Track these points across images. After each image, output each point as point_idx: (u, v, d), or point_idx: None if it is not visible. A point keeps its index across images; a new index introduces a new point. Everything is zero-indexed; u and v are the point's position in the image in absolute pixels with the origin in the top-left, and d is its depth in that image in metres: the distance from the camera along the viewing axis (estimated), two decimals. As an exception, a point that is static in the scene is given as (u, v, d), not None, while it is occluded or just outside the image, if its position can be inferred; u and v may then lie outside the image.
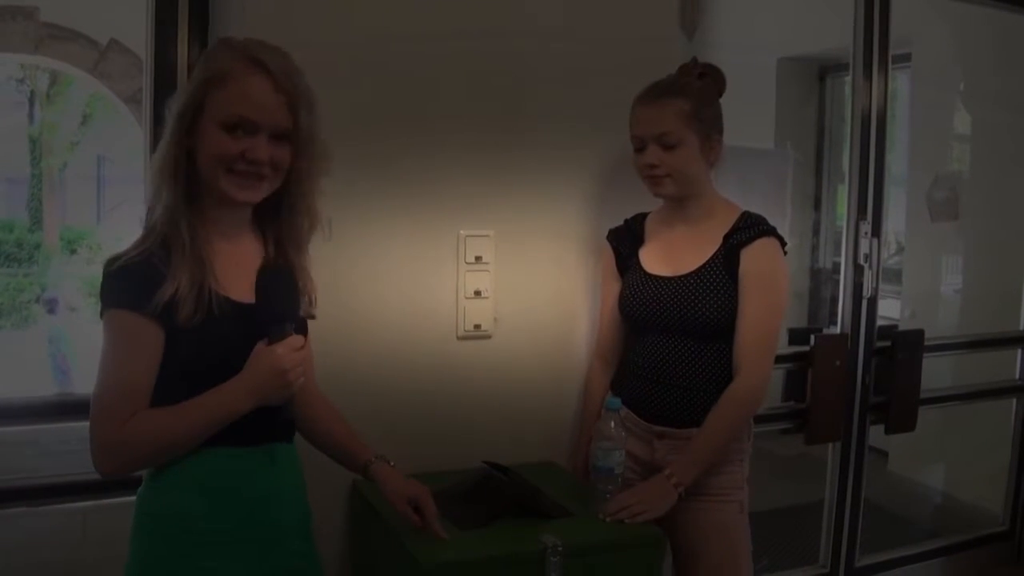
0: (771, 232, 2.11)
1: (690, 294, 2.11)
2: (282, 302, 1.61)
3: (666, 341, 2.15)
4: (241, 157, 1.54)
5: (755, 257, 2.08)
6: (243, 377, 1.55)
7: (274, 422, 1.62)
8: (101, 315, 1.52)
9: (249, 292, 1.60)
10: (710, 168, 2.15)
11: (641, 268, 2.22)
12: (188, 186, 1.56)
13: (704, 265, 2.11)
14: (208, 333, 1.53)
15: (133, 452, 1.53)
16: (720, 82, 2.18)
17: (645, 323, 2.19)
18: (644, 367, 2.19)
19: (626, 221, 2.31)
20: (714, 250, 2.12)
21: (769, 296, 2.08)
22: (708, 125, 2.10)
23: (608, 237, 2.32)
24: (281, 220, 1.68)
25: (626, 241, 2.28)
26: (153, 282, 1.50)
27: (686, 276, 2.12)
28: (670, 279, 2.15)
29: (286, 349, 1.56)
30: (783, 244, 2.14)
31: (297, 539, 1.70)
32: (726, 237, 2.11)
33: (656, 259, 2.20)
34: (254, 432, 1.59)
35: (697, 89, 2.12)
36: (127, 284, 1.51)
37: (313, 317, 1.75)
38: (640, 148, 2.13)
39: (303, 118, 1.57)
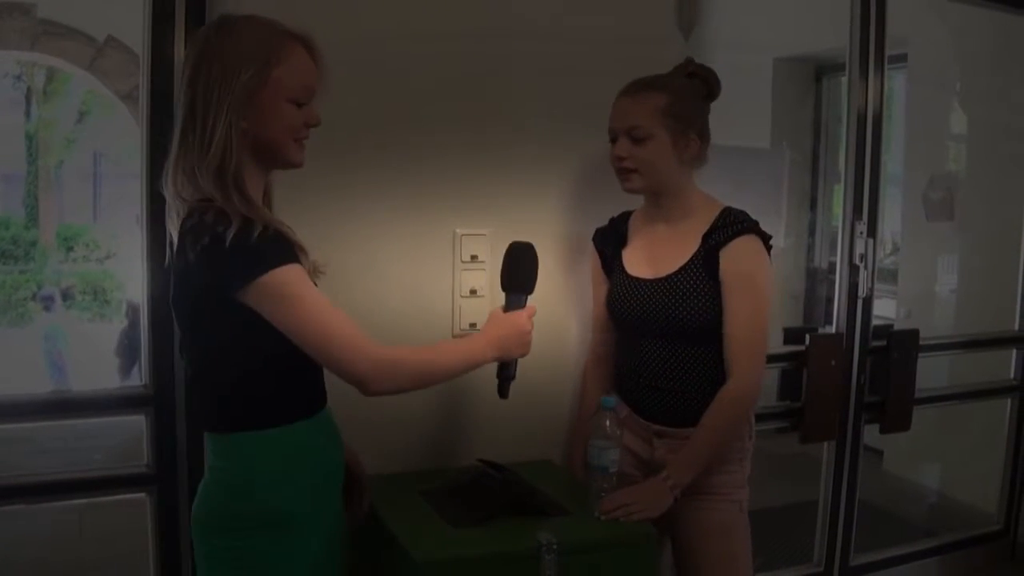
0: (750, 229, 2.08)
1: (671, 297, 2.09)
2: (528, 275, 1.88)
3: (653, 344, 2.15)
4: (305, 125, 1.64)
5: (734, 257, 2.05)
6: (488, 333, 1.79)
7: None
8: (251, 279, 1.50)
9: None
10: (684, 166, 2.11)
11: (624, 270, 2.21)
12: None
13: (684, 267, 2.09)
14: None
15: (406, 371, 1.66)
16: (712, 84, 2.15)
17: (631, 326, 2.19)
18: (636, 370, 2.19)
19: (612, 220, 2.31)
20: (693, 251, 2.09)
21: (752, 295, 2.06)
22: (684, 123, 2.07)
23: (594, 238, 2.31)
24: (267, 187, 1.74)
25: (611, 242, 2.27)
26: (297, 249, 1.58)
27: (666, 278, 2.11)
28: (651, 281, 2.13)
29: (527, 316, 1.83)
30: (767, 239, 2.11)
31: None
32: (705, 237, 2.09)
33: (638, 260, 2.20)
34: (318, 396, 1.73)
35: (678, 86, 2.10)
36: (285, 246, 1.55)
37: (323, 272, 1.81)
38: (613, 140, 2.12)
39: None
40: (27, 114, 11.95)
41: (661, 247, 2.15)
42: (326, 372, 1.67)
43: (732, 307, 2.05)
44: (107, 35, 7.85)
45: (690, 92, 2.11)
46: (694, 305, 2.07)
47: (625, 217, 2.29)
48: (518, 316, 1.82)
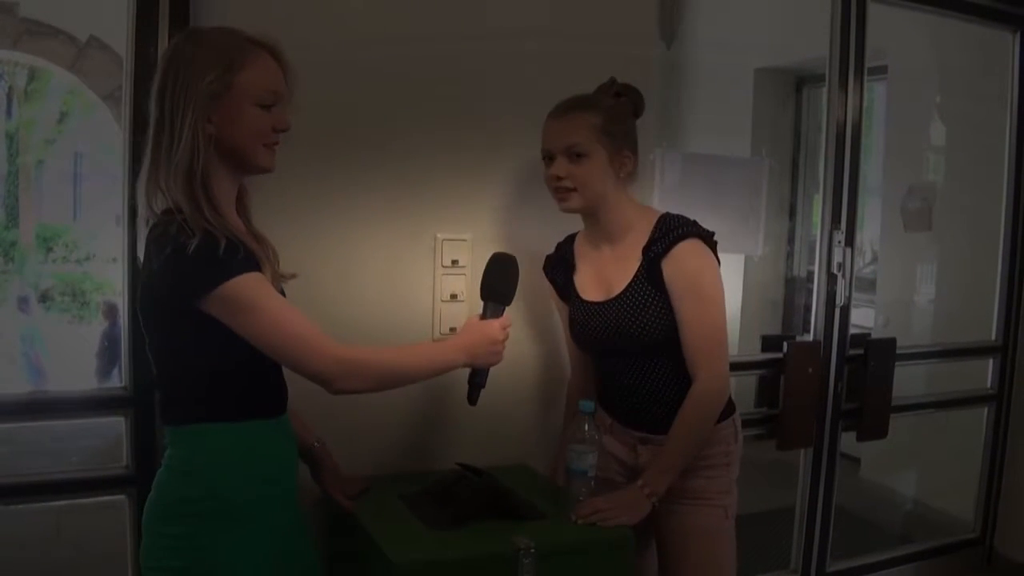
0: (688, 233, 2.07)
1: (623, 316, 2.10)
2: (506, 287, 1.92)
3: (617, 362, 2.17)
4: (273, 129, 1.65)
5: (676, 265, 2.06)
6: (459, 339, 1.84)
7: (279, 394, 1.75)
8: (211, 288, 1.54)
9: None
10: (620, 183, 2.12)
11: (578, 296, 2.22)
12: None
13: (630, 284, 2.10)
14: None
15: (370, 371, 1.69)
16: (637, 103, 2.16)
17: (593, 348, 2.22)
18: (610, 386, 2.22)
19: (558, 246, 2.31)
20: (637, 266, 2.10)
21: (701, 298, 2.06)
22: (618, 140, 2.09)
23: (544, 268, 2.32)
24: (243, 191, 1.76)
25: (560, 270, 2.28)
26: (258, 258, 1.60)
27: (616, 298, 2.12)
28: (603, 304, 2.14)
29: (501, 325, 1.86)
30: (709, 237, 2.10)
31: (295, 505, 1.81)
32: (644, 250, 2.09)
33: (589, 284, 2.21)
34: (279, 402, 1.74)
35: (608, 106, 2.11)
36: (244, 256, 1.57)
37: (294, 275, 1.83)
38: (549, 161, 2.12)
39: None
40: (8, 113, 11.86)
41: (608, 268, 2.16)
42: (299, 381, 1.68)
43: (683, 314, 2.06)
44: (90, 35, 7.81)
45: (620, 111, 2.12)
46: (647, 320, 2.08)
47: (570, 240, 2.29)
48: (491, 325, 1.86)
